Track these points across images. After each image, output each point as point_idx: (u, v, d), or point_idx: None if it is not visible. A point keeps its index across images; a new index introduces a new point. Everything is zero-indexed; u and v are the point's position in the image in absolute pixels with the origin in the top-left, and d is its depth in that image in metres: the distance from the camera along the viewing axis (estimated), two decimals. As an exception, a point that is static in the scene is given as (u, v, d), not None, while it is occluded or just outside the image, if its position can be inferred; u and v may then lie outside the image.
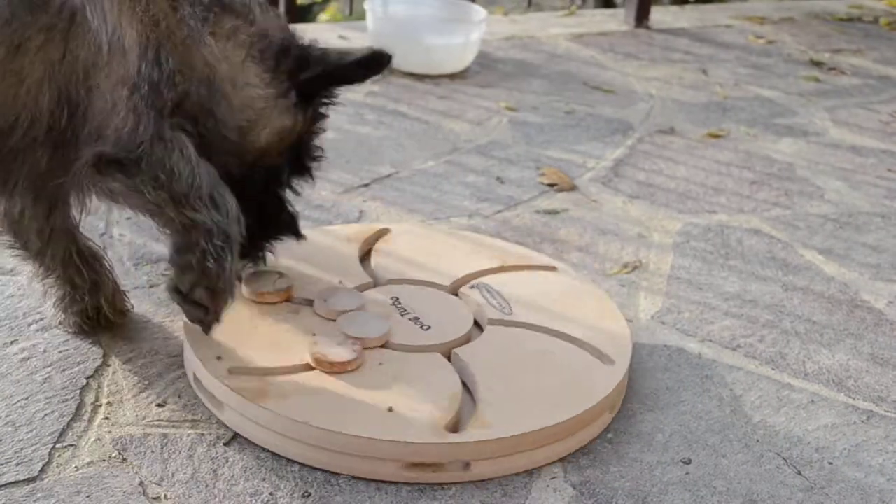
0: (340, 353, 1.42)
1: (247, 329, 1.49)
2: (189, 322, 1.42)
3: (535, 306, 1.63)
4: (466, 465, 1.32)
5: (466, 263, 1.73)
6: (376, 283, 1.66)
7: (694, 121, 2.70)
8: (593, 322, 1.61)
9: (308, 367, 1.42)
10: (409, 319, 1.55)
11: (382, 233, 1.82)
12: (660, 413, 1.51)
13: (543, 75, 2.94)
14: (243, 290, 1.56)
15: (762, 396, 1.57)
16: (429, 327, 1.54)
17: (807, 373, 1.64)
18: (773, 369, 1.64)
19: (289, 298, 1.58)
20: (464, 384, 1.44)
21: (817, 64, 3.31)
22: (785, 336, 1.74)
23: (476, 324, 1.59)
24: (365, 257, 1.76)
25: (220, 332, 1.42)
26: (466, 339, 1.54)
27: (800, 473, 1.41)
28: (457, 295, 1.65)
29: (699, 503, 1.33)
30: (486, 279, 1.69)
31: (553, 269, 1.78)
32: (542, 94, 2.79)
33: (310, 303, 1.56)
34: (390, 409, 1.35)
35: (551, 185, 2.23)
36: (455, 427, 1.36)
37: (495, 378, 1.45)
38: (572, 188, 2.23)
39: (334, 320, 1.52)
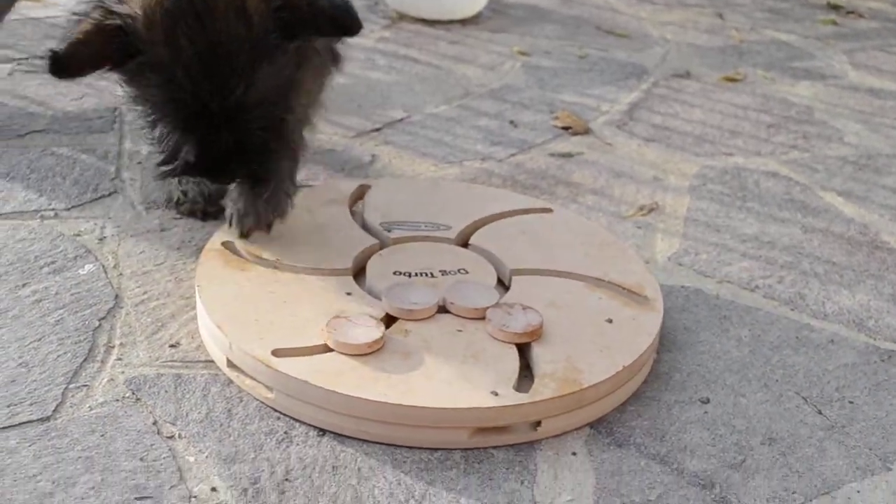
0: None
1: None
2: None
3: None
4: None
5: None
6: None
7: (710, 65, 2.66)
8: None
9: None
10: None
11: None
12: (678, 353, 1.49)
13: (556, 20, 2.90)
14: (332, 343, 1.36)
15: (781, 336, 1.55)
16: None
17: (826, 313, 1.62)
18: (791, 310, 1.62)
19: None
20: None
21: (835, 7, 3.25)
22: (804, 277, 1.71)
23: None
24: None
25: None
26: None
27: (820, 412, 1.39)
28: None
29: (718, 441, 1.32)
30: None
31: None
32: (554, 38, 2.75)
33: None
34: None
35: (565, 128, 2.20)
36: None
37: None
38: (586, 131, 2.20)
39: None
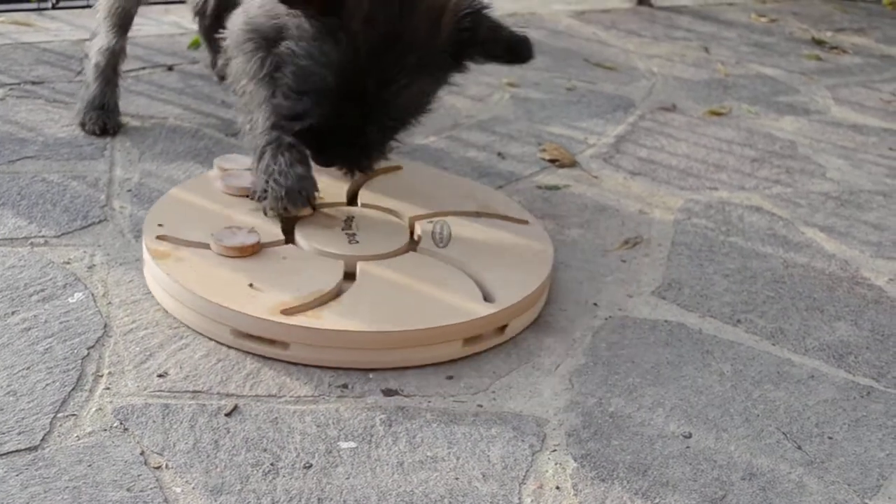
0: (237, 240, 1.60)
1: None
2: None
3: (471, 248, 1.70)
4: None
5: (442, 203, 1.83)
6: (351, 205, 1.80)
7: (696, 98, 2.69)
8: (512, 268, 1.66)
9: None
10: (347, 234, 1.67)
11: (391, 169, 1.92)
12: (661, 387, 1.51)
13: (545, 52, 2.93)
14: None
15: (762, 371, 1.57)
16: (357, 242, 1.65)
17: (807, 348, 1.64)
18: (773, 344, 1.64)
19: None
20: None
21: (819, 43, 3.30)
22: (785, 312, 1.74)
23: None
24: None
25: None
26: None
27: (800, 448, 1.41)
28: (412, 227, 1.75)
29: (700, 476, 1.33)
30: (451, 219, 1.79)
31: (525, 222, 1.82)
32: (543, 70, 2.78)
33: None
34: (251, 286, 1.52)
35: (552, 161, 2.22)
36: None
37: (370, 287, 1.57)
38: (573, 164, 2.22)
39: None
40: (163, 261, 1.56)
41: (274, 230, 1.67)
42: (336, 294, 1.54)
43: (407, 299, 1.55)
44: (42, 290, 1.58)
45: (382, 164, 1.76)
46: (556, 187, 2.11)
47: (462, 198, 1.87)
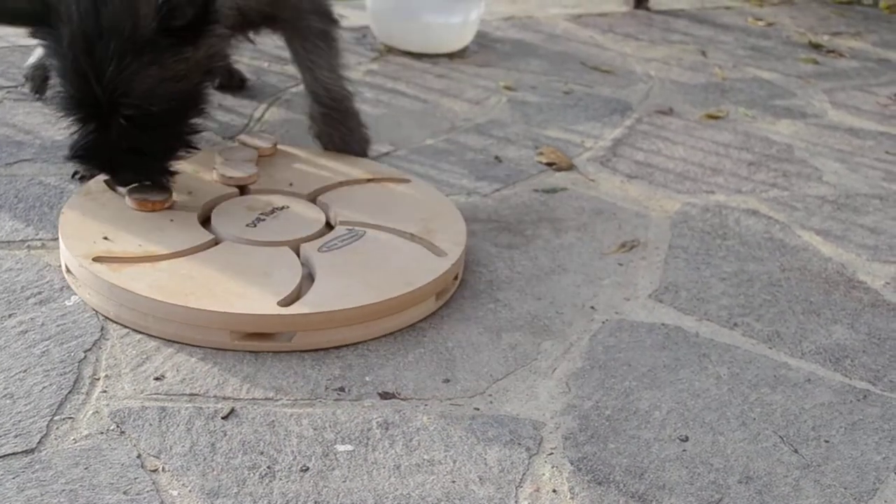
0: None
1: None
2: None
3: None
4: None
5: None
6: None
7: (692, 102, 2.70)
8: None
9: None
10: (258, 218, 1.74)
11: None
12: (657, 391, 1.51)
13: (542, 55, 2.94)
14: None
15: (759, 375, 1.57)
16: (254, 227, 1.71)
17: (804, 352, 1.64)
18: (770, 348, 1.65)
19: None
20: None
21: (816, 46, 3.30)
22: (782, 315, 1.74)
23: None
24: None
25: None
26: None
27: (796, 451, 1.41)
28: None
29: (696, 480, 1.33)
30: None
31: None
32: (540, 73, 2.78)
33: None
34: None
35: (549, 164, 2.23)
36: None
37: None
38: (570, 167, 2.23)
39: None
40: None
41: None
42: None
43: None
44: (39, 293, 1.58)
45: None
46: (553, 190, 2.11)
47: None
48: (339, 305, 1.52)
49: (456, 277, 1.70)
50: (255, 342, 1.50)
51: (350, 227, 1.74)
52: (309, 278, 1.60)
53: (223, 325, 1.48)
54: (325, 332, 1.52)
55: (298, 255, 1.65)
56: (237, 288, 1.53)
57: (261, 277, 1.56)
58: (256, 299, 1.51)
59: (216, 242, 1.67)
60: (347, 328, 1.53)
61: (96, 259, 1.57)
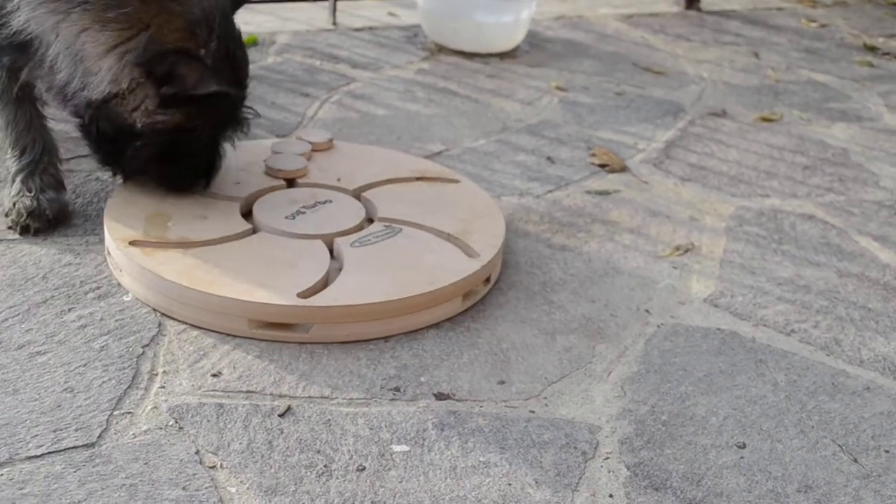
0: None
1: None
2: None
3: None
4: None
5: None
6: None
7: (746, 104, 2.67)
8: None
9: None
10: (300, 210, 1.75)
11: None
12: (714, 396, 1.49)
13: (593, 55, 2.92)
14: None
15: (817, 382, 1.55)
16: (293, 219, 1.72)
17: (862, 360, 1.62)
18: (827, 355, 1.63)
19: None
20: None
21: (871, 48, 3.25)
22: (840, 322, 1.72)
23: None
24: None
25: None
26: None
27: (856, 461, 1.39)
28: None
29: (754, 488, 1.32)
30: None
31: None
32: (592, 74, 2.77)
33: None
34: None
35: (602, 165, 2.21)
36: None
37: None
38: (623, 169, 2.21)
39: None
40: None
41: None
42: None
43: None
44: (97, 288, 1.60)
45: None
46: (606, 192, 2.10)
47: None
48: (358, 300, 1.53)
49: (488, 280, 1.69)
50: (272, 331, 1.51)
51: (388, 224, 1.74)
52: (339, 272, 1.61)
53: (241, 313, 1.50)
54: (345, 325, 1.52)
55: (332, 249, 1.66)
56: (261, 278, 1.54)
57: (287, 268, 1.58)
58: (277, 289, 1.52)
59: (253, 232, 1.68)
60: (367, 323, 1.54)
61: (132, 243, 1.60)
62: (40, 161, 1.77)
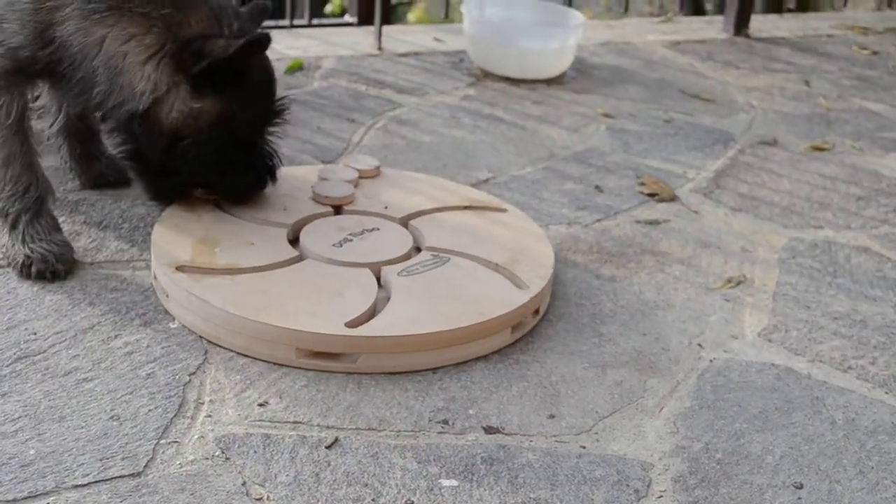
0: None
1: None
2: None
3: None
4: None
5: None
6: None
7: (797, 133, 2.63)
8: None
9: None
10: (347, 237, 1.73)
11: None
12: (769, 434, 1.46)
13: (640, 82, 2.90)
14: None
15: (876, 421, 1.51)
16: (340, 247, 1.71)
17: (922, 398, 1.58)
18: (886, 393, 1.58)
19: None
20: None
21: (924, 77, 3.20)
22: (898, 359, 1.67)
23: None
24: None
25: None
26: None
27: (918, 504, 1.35)
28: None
29: (813, 530, 1.28)
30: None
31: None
32: (639, 101, 2.74)
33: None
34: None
35: (651, 194, 2.18)
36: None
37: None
38: (673, 199, 2.18)
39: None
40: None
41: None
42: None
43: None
44: (143, 314, 1.59)
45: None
46: (656, 222, 2.07)
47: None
48: (407, 331, 1.51)
49: (537, 311, 1.66)
50: (319, 361, 1.50)
51: (435, 254, 1.72)
52: (386, 301, 1.59)
53: (289, 342, 1.48)
54: (392, 356, 1.51)
55: (379, 277, 1.64)
56: (308, 306, 1.53)
57: (334, 297, 1.56)
58: (325, 318, 1.51)
59: (301, 259, 1.67)
60: (415, 354, 1.52)
61: (179, 268, 1.59)
62: (45, 202, 1.69)
